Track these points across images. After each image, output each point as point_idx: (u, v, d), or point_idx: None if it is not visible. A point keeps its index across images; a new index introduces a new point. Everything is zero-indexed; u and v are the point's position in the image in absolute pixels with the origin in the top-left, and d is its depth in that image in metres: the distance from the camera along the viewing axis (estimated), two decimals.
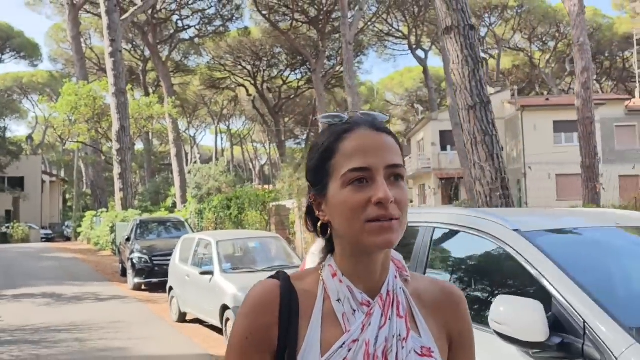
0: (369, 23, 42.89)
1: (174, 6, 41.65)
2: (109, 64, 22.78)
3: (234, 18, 44.07)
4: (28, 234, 37.69)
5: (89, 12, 39.54)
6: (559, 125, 32.03)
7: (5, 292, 12.51)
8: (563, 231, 2.85)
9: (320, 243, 1.13)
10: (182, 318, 8.78)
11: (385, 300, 1.03)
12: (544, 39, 50.75)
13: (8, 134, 43.41)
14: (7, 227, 37.66)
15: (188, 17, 43.29)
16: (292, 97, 50.29)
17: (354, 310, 1.02)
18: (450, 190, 34.38)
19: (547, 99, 35.17)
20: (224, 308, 7.03)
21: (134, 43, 45.81)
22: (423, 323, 1.07)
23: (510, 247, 2.50)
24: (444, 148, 35.16)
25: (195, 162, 45.73)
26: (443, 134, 34.66)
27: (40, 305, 10.73)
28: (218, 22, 44.09)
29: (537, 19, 47.58)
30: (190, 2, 42.27)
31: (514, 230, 2.55)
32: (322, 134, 1.09)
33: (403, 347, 1.01)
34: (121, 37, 24.48)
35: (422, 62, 47.74)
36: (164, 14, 41.59)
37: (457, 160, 31.05)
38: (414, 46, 47.10)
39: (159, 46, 41.43)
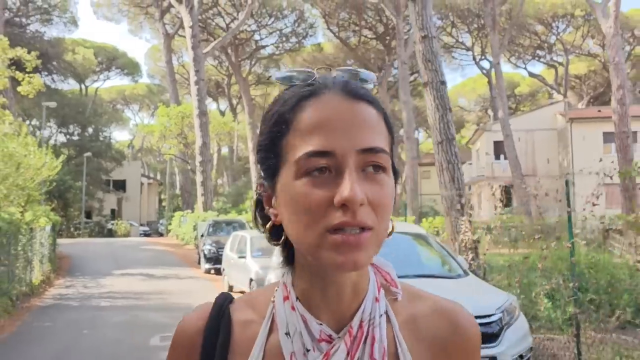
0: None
1: (254, 27, 46.42)
2: (193, 90, 27.46)
3: (308, 35, 48.36)
4: (129, 230, 43.40)
5: (181, 36, 45.22)
6: (608, 137, 33.61)
7: (115, 271, 17.13)
8: None
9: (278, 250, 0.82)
10: (230, 289, 12.77)
11: (355, 334, 0.74)
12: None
13: (112, 141, 49.98)
14: (112, 224, 43.71)
15: (267, 36, 48.05)
16: None
17: (308, 350, 0.74)
18: (502, 198, 36.72)
19: (599, 110, 36.58)
20: (250, 280, 10.89)
21: (220, 59, 51.17)
22: None
23: None
24: (497, 157, 37.50)
25: None
26: (497, 144, 37.03)
27: (138, 280, 15.15)
28: (294, 40, 48.58)
29: None
30: (269, 23, 46.89)
31: None
32: (275, 99, 0.78)
33: None
34: (204, 67, 29.17)
35: (487, 72, 49.85)
36: (245, 34, 46.47)
37: (509, 169, 33.51)
38: (479, 56, 49.41)
39: (241, 62, 46.38)
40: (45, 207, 17.12)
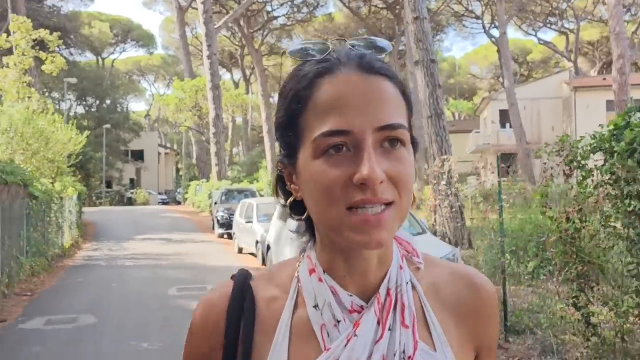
0: (444, 3, 46.20)
1: None
2: (206, 64, 28.59)
3: (319, 5, 48.91)
4: (148, 199, 44.99)
5: (194, 8, 46.08)
6: (611, 105, 34.21)
7: (136, 236, 18.68)
8: None
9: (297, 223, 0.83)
10: (239, 251, 14.17)
11: (384, 302, 0.75)
12: (630, 9, 50.94)
13: (129, 112, 51.41)
14: (132, 193, 45.45)
15: (278, 7, 48.70)
16: None
17: (338, 321, 0.74)
18: (507, 166, 37.67)
19: (604, 79, 37.01)
20: (256, 242, 12.24)
21: (233, 30, 51.99)
22: (440, 331, 0.78)
23: None
24: (503, 125, 38.29)
25: None
26: (502, 113, 37.78)
27: (157, 244, 16.65)
28: (305, 10, 49.21)
29: None
30: None
31: None
32: (291, 75, 0.77)
33: None
34: (216, 41, 30.23)
35: (497, 41, 50.05)
36: (257, 5, 47.14)
37: (514, 137, 34.40)
38: (489, 24, 49.66)
39: (253, 33, 47.20)
40: (71, 178, 18.59)
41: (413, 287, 0.80)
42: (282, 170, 0.79)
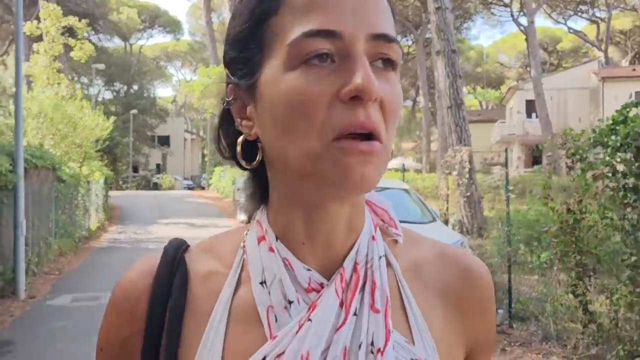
0: None
1: None
2: None
3: None
4: (173, 184, 45.62)
5: None
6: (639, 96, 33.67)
7: (160, 220, 19.18)
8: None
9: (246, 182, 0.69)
10: None
11: (349, 280, 0.59)
12: None
13: (156, 98, 52.19)
14: (158, 178, 46.26)
15: None
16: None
17: (290, 302, 0.58)
18: (532, 156, 37.40)
19: (634, 69, 36.35)
20: None
21: None
22: (420, 320, 0.62)
23: None
24: (529, 116, 37.95)
25: None
26: (529, 103, 37.42)
27: (181, 228, 17.10)
28: None
29: None
30: None
31: None
32: None
33: None
34: None
35: (525, 29, 49.39)
36: None
37: (540, 128, 34.11)
38: (518, 12, 48.99)
39: None
40: (98, 162, 19.14)
41: (388, 263, 0.64)
42: (231, 102, 0.62)
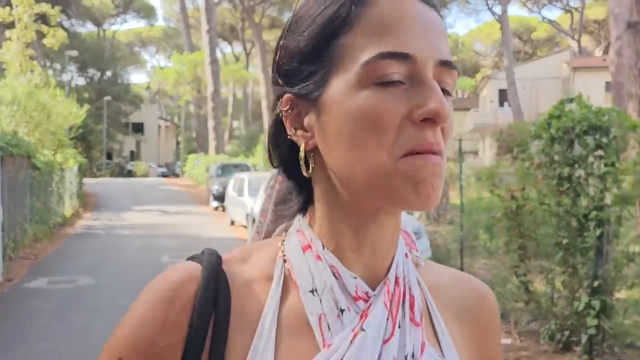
0: None
1: None
2: (205, 39, 28.97)
3: None
4: (148, 171, 45.28)
5: None
6: (610, 86, 34.51)
7: (134, 207, 19.38)
8: None
9: (274, 192, 0.73)
10: (232, 223, 14.85)
11: (393, 292, 0.61)
12: None
13: (130, 85, 51.73)
14: (132, 165, 46.04)
15: None
16: None
17: (342, 310, 0.59)
18: (506, 145, 38.18)
19: (604, 59, 37.19)
20: (247, 214, 12.88)
21: (235, 2, 52.01)
22: (447, 335, 0.67)
23: None
24: (502, 105, 38.69)
25: None
26: (502, 92, 38.15)
27: (154, 215, 17.35)
28: None
29: None
30: None
31: None
32: None
33: None
34: (215, 16, 30.55)
35: (499, 18, 49.95)
36: None
37: (512, 117, 34.83)
38: (492, 1, 49.42)
39: (254, 6, 47.21)
40: (72, 150, 19.19)
41: (418, 282, 0.66)
42: (286, 112, 0.61)
